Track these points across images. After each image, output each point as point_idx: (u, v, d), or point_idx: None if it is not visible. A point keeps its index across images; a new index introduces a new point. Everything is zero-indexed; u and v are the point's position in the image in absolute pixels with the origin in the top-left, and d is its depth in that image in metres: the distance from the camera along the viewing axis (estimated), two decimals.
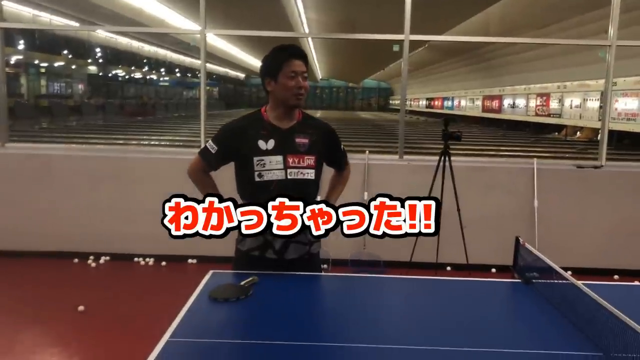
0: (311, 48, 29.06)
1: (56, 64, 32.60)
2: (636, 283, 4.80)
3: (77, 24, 24.66)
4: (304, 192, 2.32)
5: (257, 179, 2.33)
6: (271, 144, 2.34)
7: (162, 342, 1.67)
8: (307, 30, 19.58)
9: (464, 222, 4.71)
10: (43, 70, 32.64)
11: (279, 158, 2.33)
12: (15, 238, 5.26)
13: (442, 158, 4.72)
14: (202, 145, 5.30)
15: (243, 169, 2.37)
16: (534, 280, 2.28)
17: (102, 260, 5.22)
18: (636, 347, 1.54)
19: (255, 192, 2.32)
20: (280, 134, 2.36)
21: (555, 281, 2.11)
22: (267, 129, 2.36)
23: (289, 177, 2.33)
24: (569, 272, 4.95)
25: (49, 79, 34.23)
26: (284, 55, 2.32)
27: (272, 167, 2.32)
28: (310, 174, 2.37)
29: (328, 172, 2.62)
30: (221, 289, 2.07)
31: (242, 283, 2.12)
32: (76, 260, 5.19)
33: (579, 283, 1.97)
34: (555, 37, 14.69)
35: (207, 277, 2.27)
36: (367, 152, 5.41)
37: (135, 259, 5.26)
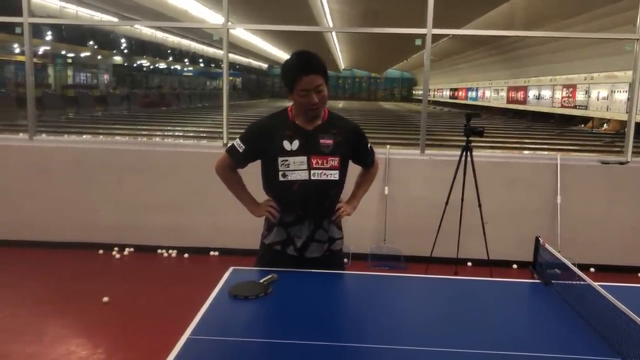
0: (334, 38, 28.97)
1: (82, 55, 33.05)
2: None
3: (101, 17, 24.91)
4: (327, 192, 2.36)
5: (281, 178, 2.36)
6: (296, 144, 2.36)
7: (182, 340, 1.71)
8: (330, 21, 19.50)
9: (485, 218, 4.69)
10: (70, 60, 33.13)
11: (303, 159, 2.35)
12: (43, 229, 5.39)
13: (464, 153, 4.69)
14: (225, 138, 5.37)
15: (268, 167, 2.40)
16: (553, 281, 2.27)
17: (126, 252, 5.32)
18: None
19: (278, 191, 2.38)
20: (304, 134, 2.38)
21: (575, 282, 2.10)
22: (291, 129, 2.38)
23: (312, 177, 2.35)
24: (592, 269, 4.91)
25: (75, 69, 34.73)
26: (296, 72, 2.29)
27: (296, 168, 2.35)
28: (333, 175, 2.38)
29: (356, 168, 2.62)
30: (242, 287, 2.11)
31: (262, 281, 2.16)
32: (101, 251, 5.30)
33: (598, 286, 1.96)
34: (581, 28, 14.42)
35: (227, 273, 2.30)
36: (388, 147, 5.40)
37: (159, 251, 5.35)
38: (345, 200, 2.55)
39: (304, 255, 2.42)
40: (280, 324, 1.88)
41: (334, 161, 2.38)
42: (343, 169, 2.42)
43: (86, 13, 24.53)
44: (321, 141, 2.38)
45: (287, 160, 2.35)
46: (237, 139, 2.46)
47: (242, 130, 2.50)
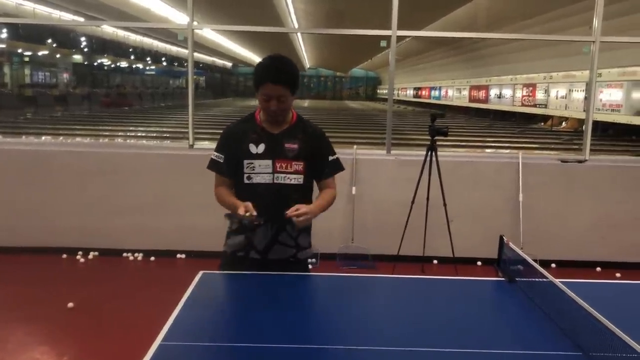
0: (299, 38, 28.97)
1: (40, 53, 32.22)
2: (617, 275, 4.92)
3: (60, 15, 24.31)
4: (290, 196, 2.36)
5: (246, 181, 2.39)
6: (261, 147, 2.39)
7: (154, 346, 1.70)
8: (294, 21, 19.50)
9: (450, 216, 4.78)
10: (27, 59, 32.25)
11: (268, 162, 2.38)
12: (3, 234, 5.24)
13: (429, 153, 4.77)
14: (190, 139, 5.31)
15: (236, 170, 2.42)
16: (517, 279, 2.34)
17: (90, 256, 5.22)
18: (613, 346, 1.61)
19: (243, 194, 2.38)
20: (270, 138, 2.40)
21: (538, 279, 2.18)
22: (258, 132, 2.41)
23: (275, 181, 2.37)
24: (553, 265, 5.06)
25: (33, 68, 33.83)
26: (263, 77, 2.30)
27: (260, 171, 2.38)
28: (297, 179, 2.40)
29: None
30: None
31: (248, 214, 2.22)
32: (65, 255, 5.19)
33: (559, 282, 2.03)
34: (541, 28, 14.79)
35: (197, 277, 2.30)
36: (355, 147, 5.45)
37: (124, 254, 5.27)
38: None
39: (267, 257, 2.43)
40: (253, 327, 1.88)
41: (298, 165, 2.40)
42: (309, 174, 2.43)
43: (44, 11, 23.91)
44: (286, 145, 2.40)
45: (252, 163, 2.38)
46: (214, 152, 2.47)
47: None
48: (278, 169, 2.38)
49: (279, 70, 2.32)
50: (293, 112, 2.47)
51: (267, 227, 2.40)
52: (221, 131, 2.56)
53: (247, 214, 2.21)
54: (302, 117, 2.52)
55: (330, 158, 2.51)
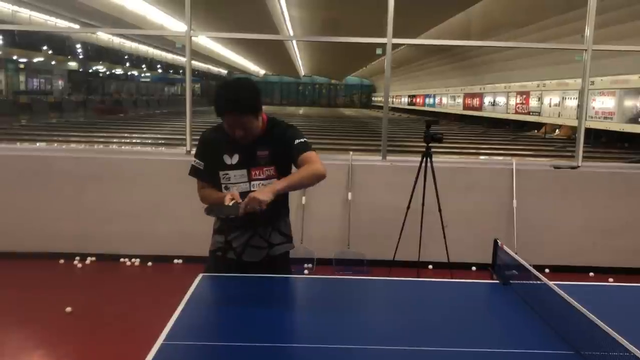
0: (294, 46, 29.06)
1: (35, 60, 32.20)
2: (610, 280, 4.97)
3: (56, 22, 24.33)
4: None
5: (224, 190, 2.46)
6: (235, 158, 2.44)
7: (156, 346, 1.73)
8: (290, 29, 19.58)
9: (445, 222, 4.83)
10: (22, 66, 32.23)
11: (244, 172, 2.44)
12: (1, 239, 5.25)
13: (424, 159, 4.83)
14: (188, 145, 5.35)
15: (213, 179, 2.49)
16: (511, 282, 2.39)
17: (88, 261, 5.24)
18: (604, 346, 1.65)
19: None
20: (243, 148, 2.43)
21: (532, 282, 2.23)
22: (231, 143, 2.43)
23: (252, 189, 2.41)
24: (547, 270, 5.11)
25: (28, 75, 33.79)
26: (219, 108, 2.32)
27: (237, 181, 2.44)
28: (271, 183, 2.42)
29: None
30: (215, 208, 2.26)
31: (231, 204, 2.21)
32: (62, 260, 5.21)
33: (553, 284, 2.08)
34: (534, 37, 14.93)
35: (197, 280, 2.33)
36: (351, 153, 5.50)
37: (121, 260, 5.28)
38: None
39: (242, 259, 2.50)
40: (254, 327, 1.92)
41: (270, 170, 2.45)
42: (281, 173, 2.45)
43: (40, 18, 23.93)
44: (258, 153, 2.44)
45: (227, 174, 2.45)
46: (194, 158, 2.53)
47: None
48: (253, 177, 2.44)
49: (235, 101, 2.30)
50: (263, 117, 2.45)
51: (242, 232, 2.47)
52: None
53: (232, 202, 2.21)
54: (272, 118, 2.51)
55: (297, 141, 2.42)
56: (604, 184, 5.39)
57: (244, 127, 2.34)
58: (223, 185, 2.45)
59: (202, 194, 2.54)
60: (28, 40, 29.68)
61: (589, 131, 11.93)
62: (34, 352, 3.54)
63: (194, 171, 2.53)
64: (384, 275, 4.68)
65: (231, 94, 2.32)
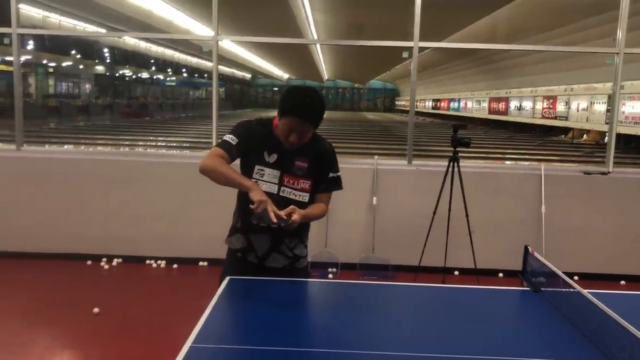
0: (318, 50, 29.14)
1: (64, 64, 32.86)
2: None
3: (85, 27, 24.79)
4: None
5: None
6: (273, 157, 2.40)
7: (185, 348, 1.73)
8: (314, 32, 19.63)
9: (472, 227, 4.77)
10: (51, 70, 32.90)
11: (277, 173, 2.39)
12: (31, 240, 5.35)
13: (451, 164, 4.78)
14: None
15: (244, 171, 2.43)
16: (542, 289, 2.34)
17: (114, 262, 5.30)
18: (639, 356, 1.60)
19: (247, 197, 2.27)
20: (283, 151, 2.40)
21: (564, 290, 2.17)
22: (273, 142, 2.40)
23: (281, 194, 2.38)
24: (576, 278, 5.01)
25: (57, 79, 34.48)
26: (289, 109, 2.30)
27: (269, 180, 2.39)
28: (303, 197, 2.40)
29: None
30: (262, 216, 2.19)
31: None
32: (89, 262, 5.28)
33: (586, 292, 2.03)
34: (561, 40, 14.72)
35: (224, 283, 2.33)
36: (376, 157, 5.48)
37: (147, 261, 5.34)
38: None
39: (264, 264, 2.46)
40: (280, 331, 1.91)
41: (305, 184, 2.42)
42: (313, 192, 2.44)
43: (70, 23, 24.41)
44: (296, 162, 2.41)
45: (263, 170, 2.39)
46: (228, 134, 2.41)
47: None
48: (285, 183, 2.39)
49: (310, 107, 2.31)
50: None
51: (266, 235, 2.42)
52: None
53: (283, 220, 2.19)
54: (316, 135, 2.48)
55: (331, 175, 2.46)
56: (636, 191, 5.27)
57: (302, 135, 2.32)
58: (254, 180, 2.36)
59: (215, 161, 2.31)
60: (57, 44, 30.29)
61: (618, 136, 11.69)
62: (62, 353, 3.59)
63: (223, 143, 2.38)
64: (409, 281, 4.66)
65: (309, 99, 2.31)
